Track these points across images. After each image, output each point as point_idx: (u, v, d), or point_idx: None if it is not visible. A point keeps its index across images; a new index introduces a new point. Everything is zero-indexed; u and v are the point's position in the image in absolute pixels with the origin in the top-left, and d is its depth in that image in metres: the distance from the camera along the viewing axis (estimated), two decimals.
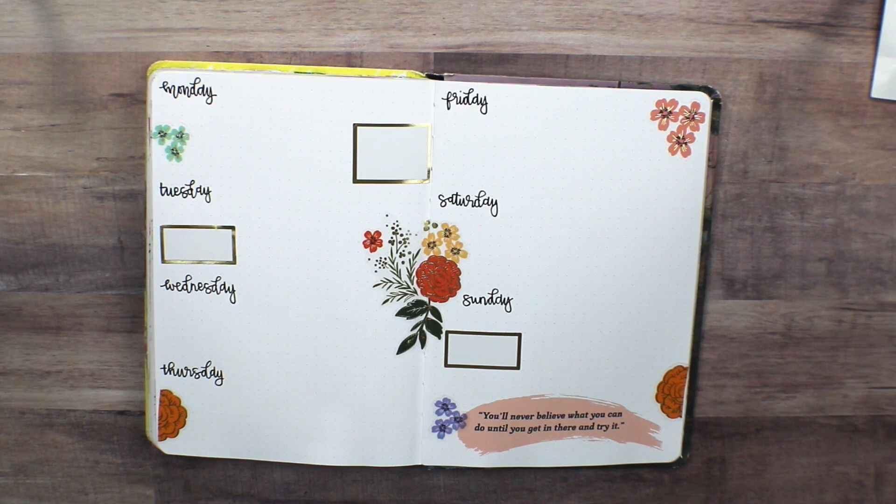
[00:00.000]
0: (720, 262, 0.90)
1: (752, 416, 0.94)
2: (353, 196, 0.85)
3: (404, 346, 0.89)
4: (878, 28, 0.85)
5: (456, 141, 0.84)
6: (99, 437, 0.93)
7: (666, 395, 0.91)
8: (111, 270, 0.89)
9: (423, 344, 0.89)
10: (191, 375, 0.89)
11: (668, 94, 0.84)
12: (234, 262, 0.86)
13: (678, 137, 0.85)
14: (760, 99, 0.86)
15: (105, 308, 0.90)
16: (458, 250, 0.87)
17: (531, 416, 0.90)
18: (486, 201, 0.86)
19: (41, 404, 0.93)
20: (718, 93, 0.85)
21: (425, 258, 0.87)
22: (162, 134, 0.84)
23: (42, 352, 0.91)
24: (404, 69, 0.84)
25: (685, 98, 0.85)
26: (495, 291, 0.88)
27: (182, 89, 0.83)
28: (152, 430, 0.91)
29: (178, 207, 0.85)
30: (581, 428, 0.91)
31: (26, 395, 0.92)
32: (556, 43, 0.84)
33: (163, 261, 0.86)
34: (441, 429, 0.91)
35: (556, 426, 0.91)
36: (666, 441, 0.92)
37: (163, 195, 0.85)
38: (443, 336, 0.89)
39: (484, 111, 0.84)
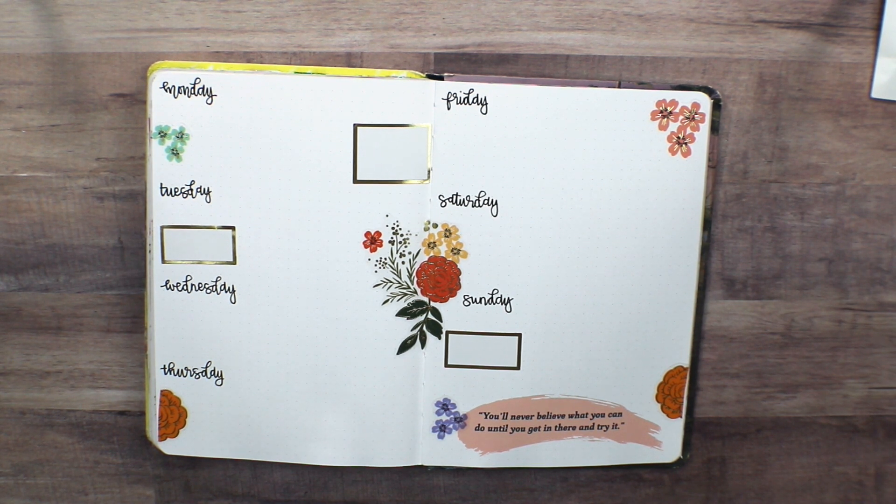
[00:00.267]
0: (720, 262, 0.90)
1: (752, 416, 0.94)
2: (353, 196, 0.85)
3: (404, 347, 0.89)
4: (878, 28, 0.85)
5: (456, 141, 0.84)
6: (99, 437, 0.93)
7: (666, 395, 0.91)
8: (111, 270, 0.89)
9: (423, 344, 0.89)
10: (191, 375, 0.89)
11: (669, 95, 0.84)
12: (234, 263, 0.86)
13: (678, 137, 0.85)
14: (760, 99, 0.86)
15: (105, 308, 0.90)
16: (458, 250, 0.87)
17: (531, 416, 0.90)
18: (486, 201, 0.86)
19: (41, 404, 0.93)
20: (718, 93, 0.85)
21: (425, 258, 0.87)
22: (162, 134, 0.84)
23: (42, 352, 0.91)
24: (404, 69, 0.84)
25: (685, 98, 0.85)
26: (495, 291, 0.88)
27: (182, 89, 0.83)
28: (152, 430, 0.91)
29: (178, 207, 0.85)
30: (581, 428, 0.91)
31: (26, 395, 0.92)
32: (556, 43, 0.84)
33: (163, 261, 0.86)
34: (441, 429, 0.91)
35: (556, 426, 0.91)
36: (666, 441, 0.92)
37: (163, 195, 0.85)
38: (443, 336, 0.89)
39: (484, 111, 0.84)
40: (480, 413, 0.90)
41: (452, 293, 0.88)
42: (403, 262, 0.87)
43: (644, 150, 0.85)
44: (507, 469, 0.94)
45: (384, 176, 0.85)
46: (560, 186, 0.85)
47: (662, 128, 0.85)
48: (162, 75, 0.83)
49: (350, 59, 0.84)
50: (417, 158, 0.85)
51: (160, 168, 0.84)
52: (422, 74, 0.84)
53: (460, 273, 0.87)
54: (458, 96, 0.84)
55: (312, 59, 0.84)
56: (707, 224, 0.87)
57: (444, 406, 0.90)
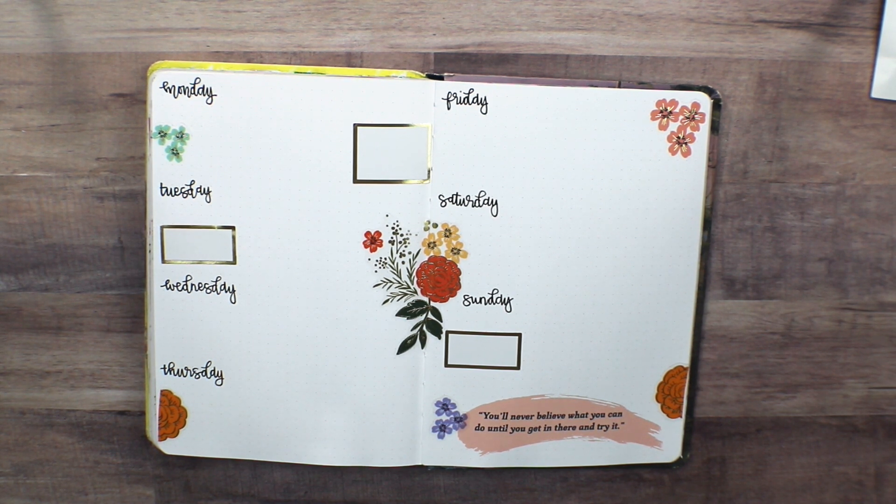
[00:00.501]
0: (720, 262, 0.90)
1: (752, 416, 0.94)
2: (353, 196, 0.85)
3: (404, 347, 0.89)
4: (878, 28, 0.85)
5: (456, 141, 0.84)
6: (99, 437, 0.93)
7: (666, 395, 0.91)
8: (111, 270, 0.89)
9: (423, 344, 0.89)
10: (191, 375, 0.89)
11: (669, 95, 0.84)
12: (234, 262, 0.86)
13: (678, 137, 0.85)
14: (760, 99, 0.86)
15: (105, 308, 0.90)
16: (458, 250, 0.87)
17: (531, 416, 0.90)
18: (486, 201, 0.86)
19: (41, 404, 0.93)
20: (718, 93, 0.85)
21: (425, 258, 0.87)
22: (162, 134, 0.84)
23: (42, 352, 0.91)
24: (404, 69, 0.84)
25: (685, 98, 0.85)
26: (495, 291, 0.88)
27: (182, 89, 0.83)
28: (152, 430, 0.91)
29: (178, 207, 0.85)
30: (581, 428, 0.91)
31: (26, 395, 0.92)
32: (556, 43, 0.84)
33: (163, 261, 0.86)
34: (441, 429, 0.91)
35: (556, 426, 0.91)
36: (666, 441, 0.92)
37: (163, 195, 0.85)
38: (443, 336, 0.89)
39: (484, 111, 0.84)
40: (480, 413, 0.90)
41: (452, 293, 0.88)
42: (403, 262, 0.87)
43: (644, 150, 0.85)
44: (507, 469, 0.94)
45: (384, 176, 0.85)
46: (560, 186, 0.85)
47: (662, 128, 0.85)
48: (162, 75, 0.83)
49: (350, 59, 0.84)
50: (417, 158, 0.85)
51: (160, 168, 0.84)
52: (422, 74, 0.84)
53: (460, 273, 0.87)
54: (458, 96, 0.84)
55: (312, 59, 0.84)
56: (707, 224, 0.87)
57: (444, 406, 0.90)
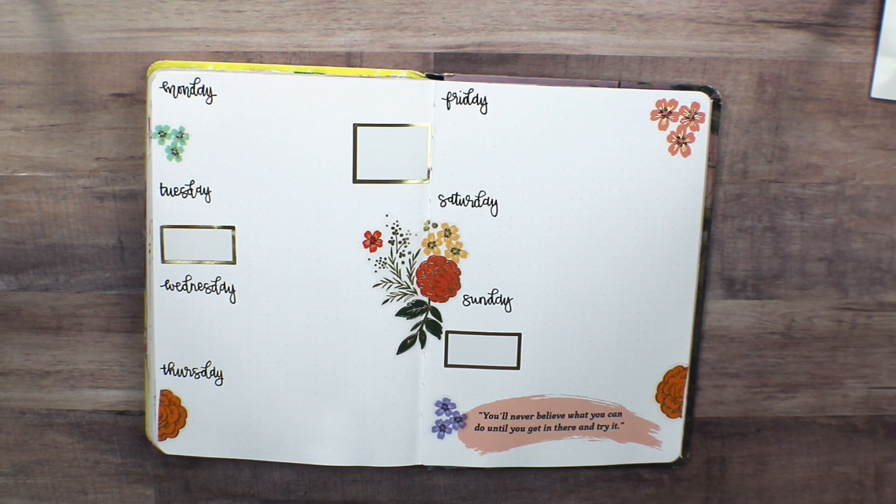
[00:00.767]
0: (720, 262, 0.90)
1: (752, 416, 0.94)
2: (353, 196, 0.85)
3: (404, 346, 0.89)
4: (878, 28, 0.85)
5: (456, 141, 0.84)
6: (99, 437, 0.93)
7: (666, 395, 0.91)
8: (111, 270, 0.89)
9: (423, 344, 0.89)
10: (191, 375, 0.89)
11: (668, 94, 0.84)
12: (234, 262, 0.86)
13: (678, 137, 0.85)
14: (760, 99, 0.86)
15: (105, 308, 0.90)
16: (458, 250, 0.87)
17: (531, 416, 0.90)
18: (486, 201, 0.86)
19: (41, 404, 0.93)
20: (718, 93, 0.85)
21: (425, 258, 0.87)
22: (162, 134, 0.84)
23: (42, 352, 0.91)
24: (404, 69, 0.84)
25: (685, 98, 0.85)
26: (495, 291, 0.88)
27: (182, 89, 0.83)
28: (152, 430, 0.91)
29: (178, 207, 0.85)
30: (581, 428, 0.91)
31: (26, 395, 0.92)
32: (556, 43, 0.84)
33: (163, 261, 0.86)
34: (441, 429, 0.91)
35: (556, 426, 0.91)
36: (666, 441, 0.92)
37: (163, 195, 0.85)
38: (443, 336, 0.89)
39: (484, 111, 0.84)
40: (480, 413, 0.90)
41: (452, 293, 0.88)
42: (403, 262, 0.87)
43: (644, 150, 0.85)
44: (506, 469, 0.94)
45: (384, 176, 0.85)
46: (560, 186, 0.85)
47: (662, 127, 0.85)
48: (162, 75, 0.83)
49: (350, 59, 0.84)
50: (417, 158, 0.85)
51: (160, 168, 0.84)
52: (422, 74, 0.84)
53: (460, 273, 0.87)
54: (458, 96, 0.84)
55: (312, 59, 0.84)
56: (707, 224, 0.87)
57: (444, 406, 0.90)
